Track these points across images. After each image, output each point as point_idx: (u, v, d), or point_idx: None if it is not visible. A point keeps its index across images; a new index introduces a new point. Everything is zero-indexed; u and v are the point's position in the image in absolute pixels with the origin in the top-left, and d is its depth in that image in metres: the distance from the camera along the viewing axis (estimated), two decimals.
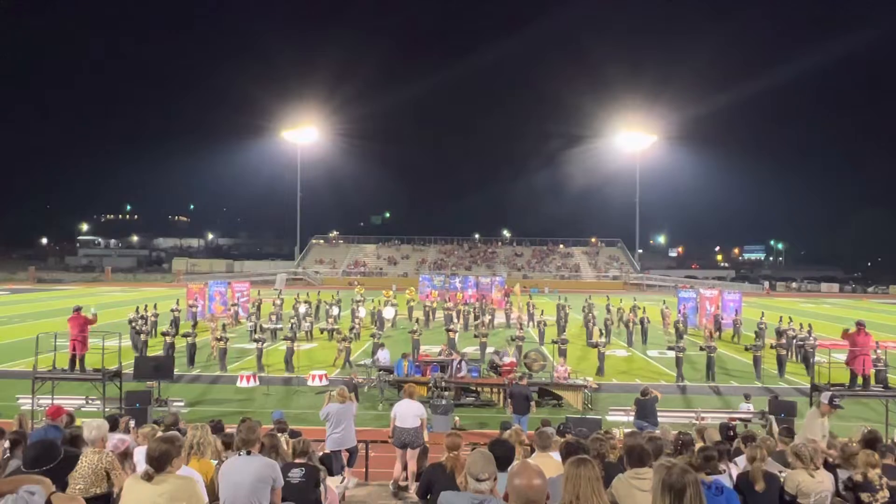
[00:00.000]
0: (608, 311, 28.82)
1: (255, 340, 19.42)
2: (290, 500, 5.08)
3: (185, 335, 20.53)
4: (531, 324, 29.01)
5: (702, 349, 19.52)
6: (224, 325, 21.66)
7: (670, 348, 19.74)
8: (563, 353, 19.18)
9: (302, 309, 27.61)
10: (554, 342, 20.04)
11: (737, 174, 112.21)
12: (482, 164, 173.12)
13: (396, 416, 8.76)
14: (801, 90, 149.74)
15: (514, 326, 29.83)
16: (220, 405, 15.36)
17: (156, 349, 20.85)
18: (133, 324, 22.36)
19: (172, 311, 27.02)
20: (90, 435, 5.12)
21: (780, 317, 26.79)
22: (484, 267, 67.35)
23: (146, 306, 25.07)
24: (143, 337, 20.90)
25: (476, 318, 29.48)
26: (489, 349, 20.37)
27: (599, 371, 19.22)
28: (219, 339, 19.59)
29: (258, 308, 30.30)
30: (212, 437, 5.53)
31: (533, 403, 12.96)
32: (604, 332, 22.57)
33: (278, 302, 30.20)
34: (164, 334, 20.54)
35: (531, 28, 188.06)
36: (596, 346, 19.65)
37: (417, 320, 25.25)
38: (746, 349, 20.41)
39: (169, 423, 8.31)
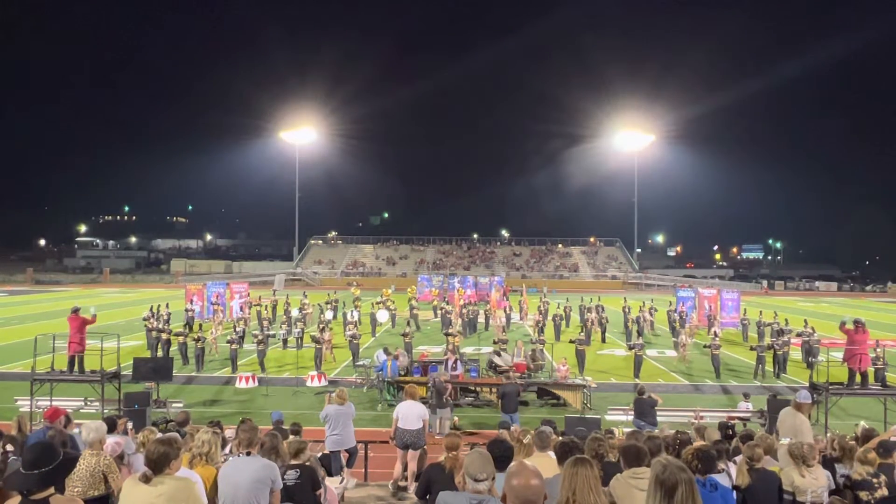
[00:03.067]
0: (624, 312, 28.72)
1: (229, 342, 19.56)
2: (287, 502, 5.06)
3: (178, 334, 20.49)
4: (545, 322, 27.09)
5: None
6: (201, 325, 21.75)
7: (706, 346, 19.59)
8: (580, 356, 18.88)
9: (294, 313, 27.31)
10: (571, 342, 19.91)
11: (735, 173, 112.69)
12: (480, 164, 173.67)
13: (399, 417, 8.77)
14: (798, 90, 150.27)
15: (526, 327, 29.64)
16: (219, 406, 15.37)
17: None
18: (146, 322, 22.52)
19: (187, 310, 27.01)
20: (88, 437, 5.11)
21: (761, 311, 26.57)
22: (482, 267, 67.32)
23: (160, 306, 24.94)
24: (153, 334, 20.98)
25: (483, 320, 29.36)
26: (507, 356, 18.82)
27: (636, 374, 18.39)
28: (196, 340, 19.57)
29: (248, 311, 30.26)
30: (219, 441, 5.34)
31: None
32: (639, 332, 22.40)
33: (269, 305, 30.08)
34: (158, 331, 20.52)
35: (529, 28, 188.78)
36: (633, 347, 18.89)
37: (409, 322, 24.86)
38: (705, 346, 20.18)
39: (180, 420, 8.30)
